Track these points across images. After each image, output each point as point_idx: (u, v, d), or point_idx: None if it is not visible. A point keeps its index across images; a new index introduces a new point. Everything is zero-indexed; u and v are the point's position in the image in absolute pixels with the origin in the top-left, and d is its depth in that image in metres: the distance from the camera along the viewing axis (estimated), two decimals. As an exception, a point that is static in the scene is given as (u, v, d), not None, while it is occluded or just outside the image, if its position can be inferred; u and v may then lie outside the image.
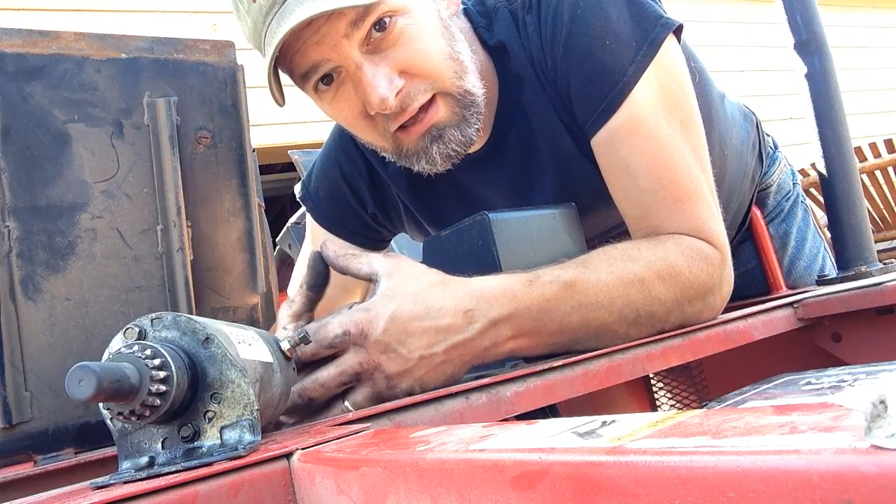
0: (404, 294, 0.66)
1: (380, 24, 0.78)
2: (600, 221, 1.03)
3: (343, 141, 1.16)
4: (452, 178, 0.92)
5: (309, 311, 0.75)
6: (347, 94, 0.84)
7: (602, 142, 0.86)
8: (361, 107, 0.84)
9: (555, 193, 0.98)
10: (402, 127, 0.85)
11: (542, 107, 0.93)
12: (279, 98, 0.84)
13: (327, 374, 0.64)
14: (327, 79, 0.83)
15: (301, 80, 0.84)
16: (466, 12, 0.96)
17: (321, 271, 0.75)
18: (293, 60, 0.82)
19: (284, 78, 0.87)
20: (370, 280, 0.70)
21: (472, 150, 0.97)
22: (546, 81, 0.91)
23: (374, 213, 1.18)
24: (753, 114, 1.35)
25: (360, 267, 0.71)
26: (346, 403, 0.65)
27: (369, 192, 1.16)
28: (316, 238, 1.23)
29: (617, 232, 1.03)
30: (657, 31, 0.83)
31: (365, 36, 0.79)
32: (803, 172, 2.97)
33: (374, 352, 0.64)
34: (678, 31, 0.87)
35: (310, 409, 0.66)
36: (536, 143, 0.97)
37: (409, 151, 0.87)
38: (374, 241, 1.23)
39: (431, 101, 0.84)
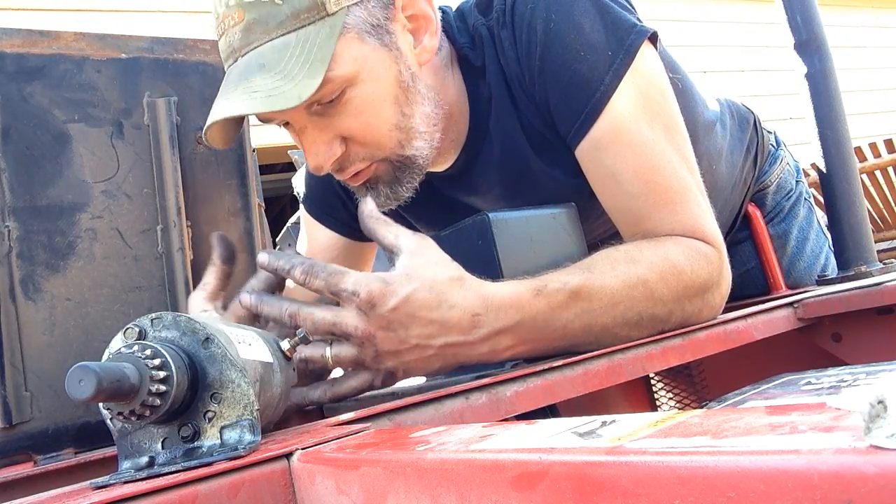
0: (423, 279, 0.66)
1: None
2: None
3: None
4: (433, 190, 0.93)
5: (223, 288, 0.75)
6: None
7: (586, 152, 0.86)
8: None
9: None
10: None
11: (510, 125, 0.93)
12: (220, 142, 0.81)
13: (322, 316, 0.65)
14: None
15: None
16: (449, 34, 0.94)
17: (230, 242, 0.75)
18: None
19: None
20: (390, 251, 0.70)
21: (444, 168, 0.99)
22: (525, 96, 0.91)
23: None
24: (751, 112, 1.34)
25: (385, 234, 0.70)
26: (327, 352, 0.66)
27: None
28: (307, 228, 1.23)
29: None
30: (632, 38, 0.84)
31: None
32: (804, 172, 2.96)
33: (374, 324, 0.64)
34: (654, 38, 0.87)
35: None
36: (499, 169, 0.97)
37: (353, 189, 0.90)
38: (360, 232, 1.23)
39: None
